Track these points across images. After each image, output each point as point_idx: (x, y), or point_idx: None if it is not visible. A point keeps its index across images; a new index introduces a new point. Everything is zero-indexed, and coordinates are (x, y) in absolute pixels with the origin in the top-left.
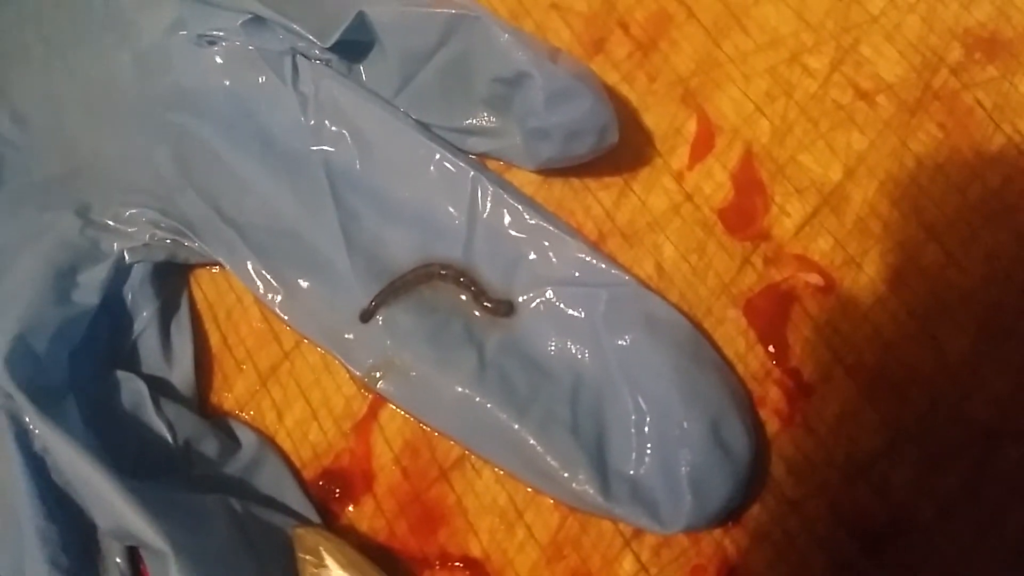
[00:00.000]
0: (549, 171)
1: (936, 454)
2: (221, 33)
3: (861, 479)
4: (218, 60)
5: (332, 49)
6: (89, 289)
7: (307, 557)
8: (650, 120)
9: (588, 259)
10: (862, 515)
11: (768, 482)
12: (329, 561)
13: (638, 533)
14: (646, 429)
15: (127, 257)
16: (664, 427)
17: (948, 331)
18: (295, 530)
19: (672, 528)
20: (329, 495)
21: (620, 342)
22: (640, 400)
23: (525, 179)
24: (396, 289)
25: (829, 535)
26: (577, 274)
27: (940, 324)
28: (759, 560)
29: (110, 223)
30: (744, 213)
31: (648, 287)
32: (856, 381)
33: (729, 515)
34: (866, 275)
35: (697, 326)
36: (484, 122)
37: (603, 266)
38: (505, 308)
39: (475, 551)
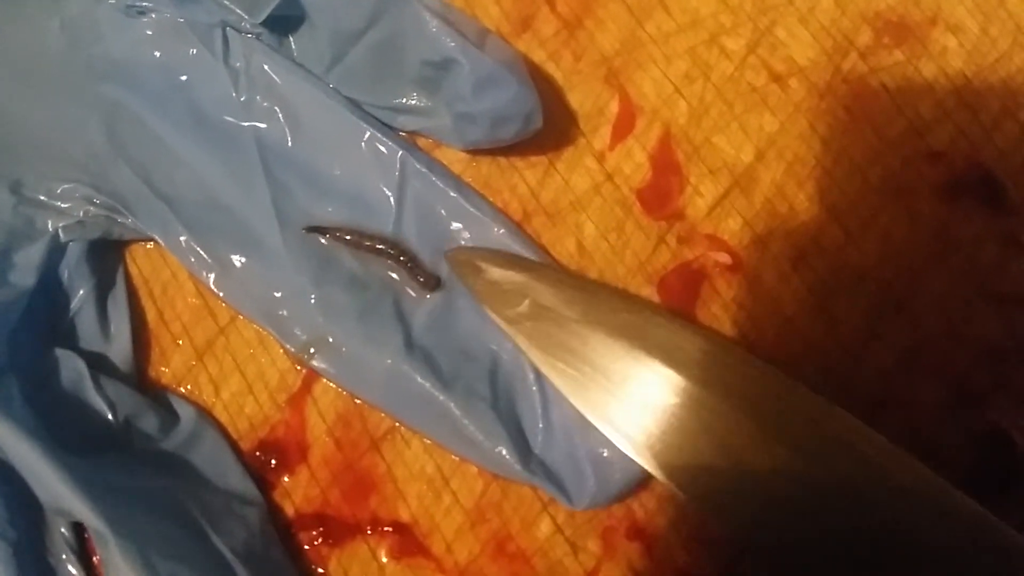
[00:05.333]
0: (477, 150)
1: None
2: (149, 4)
3: None
4: (148, 32)
5: (263, 23)
6: (25, 270)
7: (463, 271)
8: (575, 100)
9: (510, 241)
10: None
11: None
12: (483, 265)
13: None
14: (552, 415)
15: (62, 235)
16: (568, 412)
17: (843, 307)
18: (447, 255)
19: (579, 506)
20: (265, 465)
21: None
22: (547, 386)
23: (454, 157)
24: (342, 237)
25: None
26: None
27: (836, 301)
28: (663, 521)
29: (43, 199)
30: (661, 193)
31: (567, 268)
32: (757, 354)
33: (633, 492)
34: (771, 254)
35: None
36: (414, 101)
37: (523, 248)
38: (435, 282)
39: (404, 516)
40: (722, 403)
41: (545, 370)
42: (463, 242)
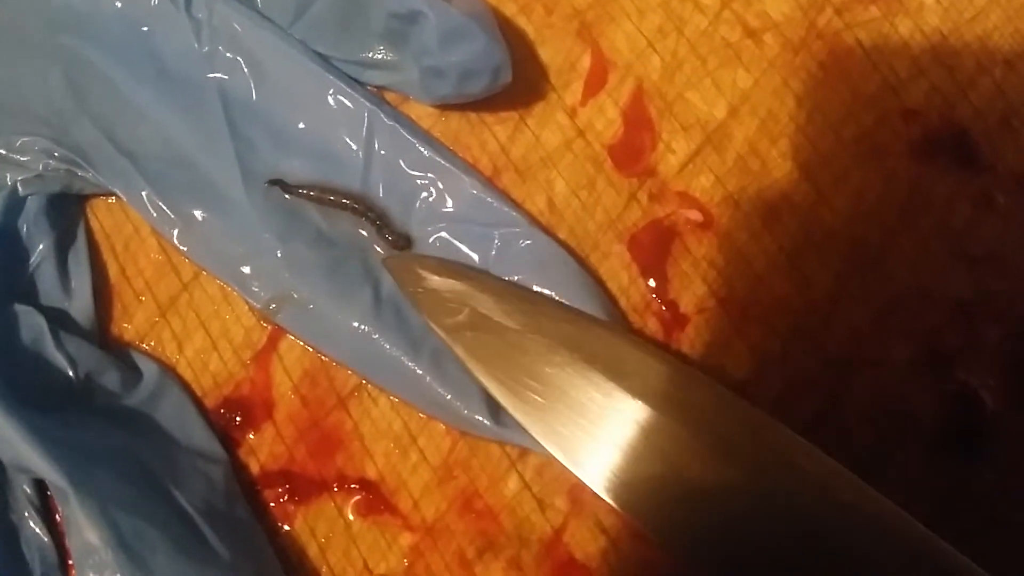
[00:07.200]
0: (446, 105)
1: (796, 381)
2: None
3: None
4: None
5: None
6: None
7: (402, 277)
8: (546, 54)
9: (482, 197)
10: None
11: None
12: (423, 273)
13: (523, 455)
14: None
15: (20, 189)
16: None
17: (815, 266)
18: (385, 261)
19: None
20: (230, 423)
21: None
22: None
23: (423, 112)
24: (306, 194)
25: None
26: (471, 212)
27: (808, 259)
28: None
29: (2, 152)
30: (632, 150)
31: (538, 224)
32: (728, 312)
33: None
34: (743, 212)
35: (584, 260)
36: (381, 56)
37: (496, 204)
38: (404, 241)
39: (371, 473)
40: (662, 416)
41: (483, 380)
42: (433, 195)
